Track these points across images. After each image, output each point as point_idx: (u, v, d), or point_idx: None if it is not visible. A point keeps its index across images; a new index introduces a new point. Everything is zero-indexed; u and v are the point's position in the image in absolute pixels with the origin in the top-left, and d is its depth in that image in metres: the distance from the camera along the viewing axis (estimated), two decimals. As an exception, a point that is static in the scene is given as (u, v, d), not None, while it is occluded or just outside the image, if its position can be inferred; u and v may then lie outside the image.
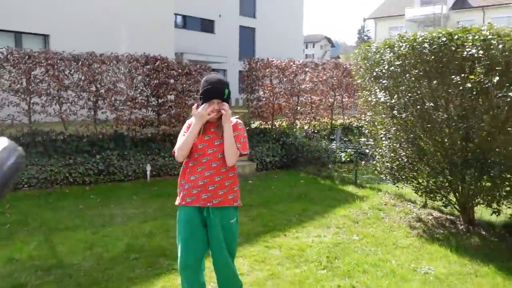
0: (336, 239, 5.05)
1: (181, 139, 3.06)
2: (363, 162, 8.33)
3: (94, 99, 8.52)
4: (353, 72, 7.40)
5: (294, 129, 10.32)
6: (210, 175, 3.03)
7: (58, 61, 8.12)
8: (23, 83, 7.87)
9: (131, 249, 4.65)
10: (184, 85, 9.40)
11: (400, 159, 5.97)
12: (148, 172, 8.14)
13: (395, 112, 5.69)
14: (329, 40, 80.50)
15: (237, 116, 3.27)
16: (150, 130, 9.18)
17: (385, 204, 6.64)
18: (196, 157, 3.06)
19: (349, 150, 8.75)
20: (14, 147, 0.61)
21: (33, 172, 7.24)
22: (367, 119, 6.82)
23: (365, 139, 6.87)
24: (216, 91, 3.00)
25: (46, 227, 5.35)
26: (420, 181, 5.91)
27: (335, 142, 10.14)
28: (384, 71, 5.75)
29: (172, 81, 9.28)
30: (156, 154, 8.62)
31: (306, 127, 11.07)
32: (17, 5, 12.93)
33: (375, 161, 6.71)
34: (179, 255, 3.08)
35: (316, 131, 10.84)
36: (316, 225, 5.59)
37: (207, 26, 27.24)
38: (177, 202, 3.13)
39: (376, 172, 6.73)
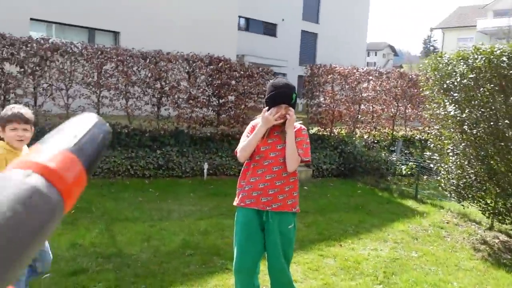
0: (393, 254, 4.86)
1: (244, 140, 3.06)
2: (425, 177, 7.99)
3: (158, 96, 8.78)
4: (421, 83, 7.11)
5: (354, 138, 10.10)
6: (271, 179, 3.00)
7: (128, 58, 8.45)
8: (95, 77, 8.26)
9: (186, 245, 4.72)
10: (245, 87, 9.47)
11: (467, 176, 5.66)
12: (205, 170, 8.27)
13: (465, 127, 5.41)
14: (392, 48, 78.38)
15: (301, 122, 3.22)
16: (209, 129, 9.32)
17: (447, 222, 6.32)
18: (258, 159, 3.04)
19: (410, 163, 8.43)
20: (103, 123, 0.62)
21: (99, 162, 7.55)
22: (434, 133, 6.54)
23: (430, 153, 6.59)
24: (283, 96, 2.97)
25: (107, 216, 5.55)
26: (488, 201, 5.58)
27: (395, 153, 9.83)
28: (455, 83, 5.49)
29: (233, 82, 9.39)
30: (213, 153, 8.75)
31: (365, 137, 10.81)
32: (92, 3, 13.61)
33: (439, 177, 6.42)
34: (235, 256, 3.07)
35: (376, 141, 10.55)
36: (373, 238, 5.42)
37: (269, 29, 27.38)
38: (235, 203, 3.12)
39: (440, 188, 6.43)
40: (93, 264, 4.04)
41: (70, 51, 8.02)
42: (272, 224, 3.02)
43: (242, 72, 9.49)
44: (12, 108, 2.80)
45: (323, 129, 10.87)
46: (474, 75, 5.23)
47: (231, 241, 3.27)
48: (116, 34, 14.62)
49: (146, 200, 6.45)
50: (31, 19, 12.69)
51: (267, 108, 3.04)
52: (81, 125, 0.60)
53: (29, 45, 7.71)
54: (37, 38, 7.94)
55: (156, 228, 5.21)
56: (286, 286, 3.17)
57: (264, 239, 3.07)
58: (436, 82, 6.08)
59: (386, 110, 11.42)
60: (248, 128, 3.14)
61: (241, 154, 3.03)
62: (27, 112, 2.84)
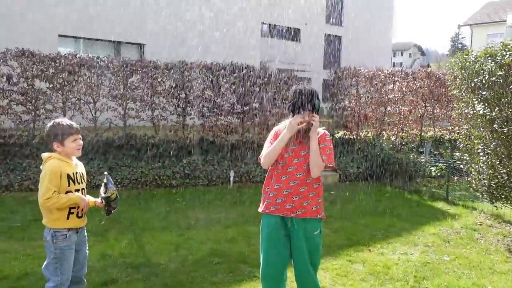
0: (424, 258, 4.74)
1: (267, 147, 3.05)
2: (455, 178, 7.79)
3: (183, 106, 8.89)
4: (448, 82, 6.96)
5: (380, 140, 9.94)
6: (295, 186, 2.99)
7: (152, 69, 8.61)
8: (121, 90, 8.44)
9: (214, 253, 4.74)
10: (269, 94, 9.48)
11: (499, 176, 5.48)
12: (231, 178, 8.30)
13: (495, 125, 5.25)
14: (419, 48, 77.02)
15: (324, 127, 3.20)
16: (234, 137, 9.37)
17: (480, 224, 6.13)
18: (281, 166, 3.03)
19: (440, 164, 8.23)
20: None
21: (126, 173, 7.69)
22: (463, 132, 6.37)
23: (460, 154, 6.42)
24: (306, 103, 2.96)
25: (135, 226, 5.64)
26: (523, 201, 5.38)
27: (424, 155, 9.62)
28: (484, 81, 5.34)
29: (257, 89, 9.42)
30: (239, 160, 8.77)
31: (393, 139, 10.62)
32: (118, 17, 13.95)
33: (470, 178, 6.24)
34: (261, 264, 3.06)
35: (404, 143, 10.35)
36: (403, 242, 5.31)
37: (292, 34, 27.34)
38: (260, 210, 3.12)
39: (471, 189, 6.25)
40: (122, 275, 4.10)
41: (97, 65, 8.24)
42: (297, 230, 3.00)
43: (265, 79, 9.51)
44: (65, 122, 3.02)
45: (349, 133, 10.76)
46: (503, 72, 5.08)
47: (257, 249, 3.26)
48: (141, 46, 14.93)
49: (173, 209, 6.51)
50: (59, 35, 13.10)
51: (294, 117, 3.02)
52: None
53: (57, 61, 7.96)
54: (65, 54, 8.18)
55: (184, 237, 5.25)
56: (313, 294, 3.14)
57: (290, 246, 3.05)
58: (464, 81, 5.94)
59: (413, 111, 11.20)
60: (271, 134, 3.14)
61: (264, 161, 3.03)
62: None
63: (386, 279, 4.16)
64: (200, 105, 9.00)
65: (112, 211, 3.19)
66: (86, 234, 3.21)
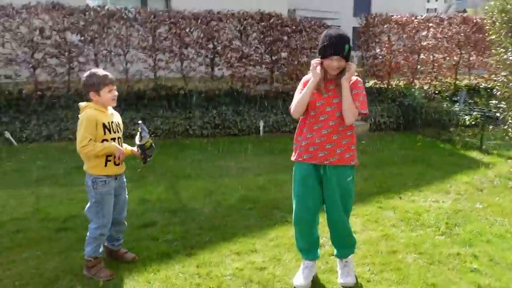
0: (456, 206, 4.75)
1: (297, 97, 3.05)
2: (490, 127, 7.60)
3: (212, 56, 8.85)
4: (486, 27, 6.65)
5: (413, 89, 9.71)
6: (327, 134, 2.98)
7: (180, 20, 8.53)
8: (150, 41, 8.45)
9: (246, 199, 4.88)
10: (298, 42, 9.30)
11: (537, 124, 5.33)
12: (261, 128, 8.36)
13: (536, 71, 5.04)
14: (454, -8, 73.06)
15: (357, 74, 3.16)
16: (263, 87, 9.32)
17: (514, 173, 6.04)
18: (313, 114, 3.02)
19: (474, 113, 8.02)
20: None
21: (158, 123, 7.85)
22: (500, 80, 6.14)
23: (496, 102, 6.23)
24: (336, 47, 2.89)
25: (170, 174, 5.82)
26: (561, 149, 5.24)
27: (458, 104, 9.38)
28: (526, 24, 5.09)
29: (285, 38, 9.25)
30: (268, 110, 8.79)
31: (426, 87, 10.35)
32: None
33: (506, 126, 6.08)
34: (294, 209, 3.14)
35: (437, 91, 10.08)
36: (434, 190, 5.31)
37: (321, -20, 26.29)
38: (293, 158, 3.15)
39: (506, 138, 6.11)
40: (161, 218, 4.30)
41: (125, 16, 8.22)
42: (330, 177, 3.04)
43: (294, 27, 9.31)
44: (101, 72, 3.09)
45: (380, 82, 10.53)
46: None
47: (289, 195, 3.35)
48: (167, -4, 14.70)
49: (205, 158, 6.67)
50: (87, -13, 13.01)
51: (314, 60, 2.99)
52: None
53: (86, 13, 7.99)
54: (93, 6, 8.18)
55: (217, 184, 5.40)
56: (346, 237, 3.23)
57: (322, 192, 3.11)
58: (504, 25, 5.67)
59: (448, 58, 10.81)
60: (301, 83, 3.11)
61: (294, 110, 3.04)
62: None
63: (417, 225, 4.21)
64: (229, 55, 8.93)
65: (148, 159, 3.31)
66: (125, 180, 3.35)
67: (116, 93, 3.15)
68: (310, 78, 3.01)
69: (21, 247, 3.65)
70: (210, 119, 8.25)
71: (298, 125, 3.16)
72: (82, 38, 8.05)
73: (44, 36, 7.85)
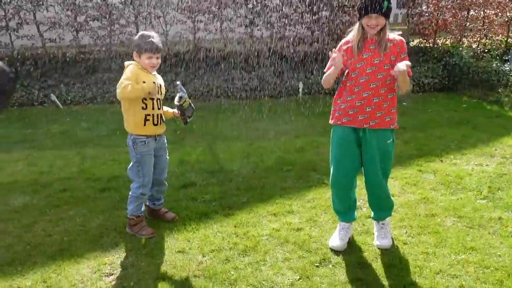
0: (500, 170, 4.59)
1: (329, 65, 2.97)
2: (543, 88, 7.19)
3: (251, 17, 8.72)
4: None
5: (460, 48, 9.25)
6: (368, 96, 2.91)
7: (218, -21, 8.42)
8: (188, 2, 8.41)
9: (283, 161, 4.91)
10: (340, 1, 8.99)
11: None
12: (300, 90, 8.27)
13: None
14: None
15: (400, 33, 3.03)
16: (303, 48, 9.15)
17: None
18: (354, 76, 2.93)
19: (526, 72, 7.59)
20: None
21: (197, 85, 7.93)
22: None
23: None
24: (374, 4, 2.76)
25: (209, 136, 5.92)
26: None
27: (509, 63, 8.88)
28: None
29: (326, -4, 8.96)
30: (308, 72, 8.65)
31: (474, 46, 9.82)
32: None
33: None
34: (331, 171, 3.13)
35: (486, 50, 9.55)
36: (478, 153, 5.13)
37: None
38: (331, 121, 3.10)
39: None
40: (199, 179, 4.41)
41: (163, -23, 8.19)
42: (369, 140, 2.98)
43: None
44: (149, 38, 3.10)
45: (425, 41, 10.08)
46: None
47: (327, 158, 3.33)
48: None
49: (243, 120, 6.70)
50: None
51: (332, 52, 2.85)
52: None
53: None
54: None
55: (254, 146, 5.45)
56: (384, 200, 3.20)
57: (361, 155, 3.07)
58: None
59: (500, 14, 10.15)
60: (340, 44, 3.03)
61: (324, 85, 3.03)
62: (160, 42, 3.17)
63: (458, 189, 4.12)
64: (268, 15, 8.77)
65: (189, 120, 3.35)
66: (165, 141, 3.43)
67: (157, 61, 3.15)
68: (350, 39, 2.93)
69: (68, 205, 3.86)
70: (249, 81, 8.24)
71: (338, 86, 3.09)
72: (122, 0, 8.12)
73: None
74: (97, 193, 4.12)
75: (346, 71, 2.98)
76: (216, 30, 8.66)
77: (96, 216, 3.64)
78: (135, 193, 3.25)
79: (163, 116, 3.30)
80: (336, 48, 2.99)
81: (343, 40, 3.02)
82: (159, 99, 3.25)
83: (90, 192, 4.13)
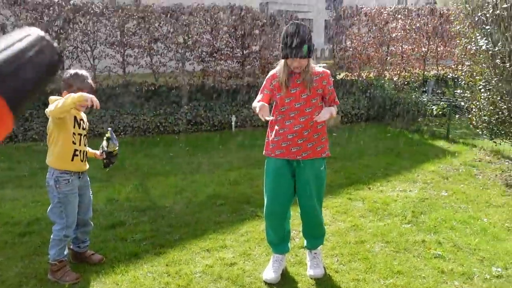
0: (422, 194, 4.86)
1: (259, 97, 3.05)
2: (457, 116, 7.79)
3: (182, 51, 8.76)
4: (452, 18, 6.78)
5: (382, 81, 9.85)
6: (298, 129, 2.99)
7: (149, 14, 8.40)
8: (118, 36, 8.30)
9: (217, 195, 4.87)
10: (269, 36, 9.30)
11: (500, 112, 5.48)
12: (233, 123, 8.34)
13: (498, 61, 5.17)
14: (424, -16, 74.21)
15: (325, 65, 3.16)
16: (235, 81, 9.30)
17: (479, 161, 6.21)
18: (283, 111, 3.02)
19: (441, 103, 8.20)
20: (44, 43, 0.49)
21: (128, 120, 7.74)
22: (465, 69, 6.30)
23: (461, 91, 6.38)
24: (294, 49, 2.82)
25: (140, 172, 5.75)
26: (522, 137, 5.42)
27: (426, 94, 9.56)
28: (488, 15, 5.21)
29: (257, 31, 9.23)
30: (240, 105, 8.77)
31: (395, 79, 10.51)
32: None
33: (470, 115, 6.24)
34: (265, 202, 3.15)
35: (406, 82, 10.26)
36: (402, 179, 5.41)
37: (293, -26, 26.32)
38: (265, 153, 3.16)
39: (471, 126, 6.28)
40: (129, 218, 4.24)
41: (91, 11, 8.04)
42: (303, 169, 3.06)
43: (265, 21, 9.29)
44: (85, 78, 3.06)
45: (350, 74, 10.64)
46: (508, 4, 4.94)
47: (260, 190, 3.36)
48: (136, -9, 14.47)
49: (176, 155, 6.61)
50: (52, -18, 12.67)
51: (254, 104, 2.95)
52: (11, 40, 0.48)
53: (51, 8, 7.78)
54: (58, 1, 7.97)
55: (188, 181, 5.37)
56: (318, 228, 3.26)
57: (294, 185, 3.12)
58: (468, 16, 5.79)
59: (416, 49, 10.99)
60: (266, 78, 3.11)
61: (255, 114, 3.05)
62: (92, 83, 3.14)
63: (385, 215, 4.29)
64: (199, 50, 8.86)
65: (110, 165, 3.29)
66: (88, 179, 3.29)
67: (88, 104, 2.94)
68: (277, 72, 3.02)
69: (-16, 253, 3.55)
70: (181, 115, 8.19)
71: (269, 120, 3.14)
72: (47, 34, 7.83)
73: (6, 32, 7.61)
74: (16, 238, 3.82)
75: (274, 103, 3.07)
76: (147, 64, 8.59)
77: (14, 263, 3.36)
78: (57, 236, 3.05)
79: (87, 154, 3.19)
80: (264, 82, 3.08)
81: (271, 73, 3.10)
82: (86, 135, 3.15)
83: (8, 238, 3.82)
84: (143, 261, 3.38)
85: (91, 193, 3.33)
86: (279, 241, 3.22)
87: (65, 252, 3.13)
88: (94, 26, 8.11)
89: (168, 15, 8.50)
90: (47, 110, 2.90)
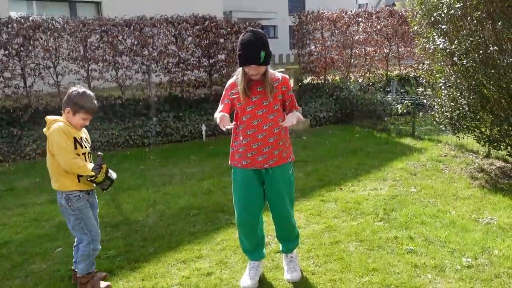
0: (393, 192, 4.97)
1: (220, 107, 3.00)
2: (421, 114, 8.02)
3: (148, 63, 8.69)
4: (409, 19, 7.00)
5: (348, 83, 10.05)
6: (263, 138, 2.98)
7: (111, 27, 8.31)
8: (81, 51, 8.16)
9: (191, 205, 4.84)
10: (234, 44, 9.34)
11: (461, 108, 5.68)
12: (203, 132, 8.32)
13: (455, 58, 5.36)
14: (383, -13, 76.15)
15: (283, 70, 3.20)
16: (203, 91, 9.29)
17: (444, 156, 6.41)
18: (245, 120, 2.98)
19: (405, 101, 8.43)
20: None
21: (96, 135, 7.61)
22: (425, 68, 6.50)
23: (423, 89, 6.58)
24: (250, 56, 2.78)
25: (111, 187, 5.64)
26: (483, 130, 5.63)
27: (391, 94, 9.81)
28: (443, 15, 5.40)
29: (222, 40, 9.26)
30: (210, 114, 8.76)
31: (360, 80, 10.74)
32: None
33: (433, 112, 6.44)
34: (236, 212, 3.14)
35: (371, 83, 10.50)
36: (372, 178, 5.52)
37: (255, -19, 26.55)
38: (231, 163, 3.13)
39: (435, 123, 6.47)
40: (102, 234, 4.11)
41: (52, 27, 7.89)
42: (271, 175, 3.06)
43: (229, 29, 9.33)
44: (92, 99, 3.03)
45: (316, 78, 10.80)
46: (461, 4, 5.13)
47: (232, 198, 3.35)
48: (97, 4, 14.31)
49: (147, 167, 6.55)
50: (9, -1, 12.40)
51: (216, 115, 2.90)
52: None
53: (9, 25, 7.60)
54: (16, 18, 7.79)
55: (160, 193, 5.32)
56: (291, 230, 3.27)
57: (263, 192, 3.13)
58: (424, 16, 5.98)
59: (378, 51, 11.28)
60: (226, 88, 3.07)
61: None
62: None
63: (358, 214, 4.37)
64: (165, 61, 8.81)
65: (106, 189, 3.20)
66: (96, 198, 3.31)
67: (87, 123, 3.06)
68: (234, 81, 3.00)
69: (-50, 281, 3.42)
70: (150, 127, 8.12)
71: (232, 129, 3.05)
72: (7, 52, 7.65)
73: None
74: (-16, 263, 3.69)
75: (235, 112, 3.06)
76: (112, 78, 8.47)
77: (-18, 290, 3.26)
78: (85, 251, 3.05)
79: None
80: (224, 92, 3.07)
81: (229, 82, 3.06)
82: (89, 153, 3.11)
83: (-25, 264, 3.69)
84: (118, 277, 3.33)
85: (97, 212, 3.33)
86: (253, 248, 3.23)
87: (93, 265, 3.14)
88: (56, 42, 7.95)
89: (131, 28, 8.43)
90: (47, 132, 2.93)
